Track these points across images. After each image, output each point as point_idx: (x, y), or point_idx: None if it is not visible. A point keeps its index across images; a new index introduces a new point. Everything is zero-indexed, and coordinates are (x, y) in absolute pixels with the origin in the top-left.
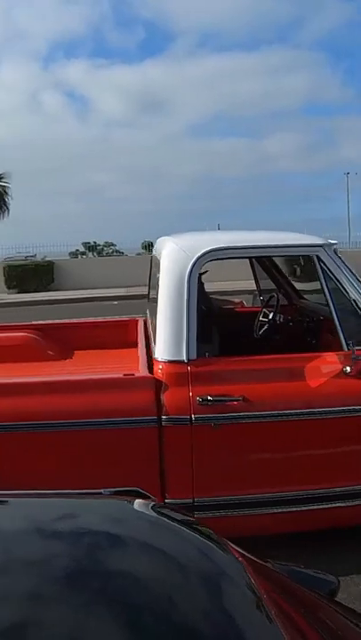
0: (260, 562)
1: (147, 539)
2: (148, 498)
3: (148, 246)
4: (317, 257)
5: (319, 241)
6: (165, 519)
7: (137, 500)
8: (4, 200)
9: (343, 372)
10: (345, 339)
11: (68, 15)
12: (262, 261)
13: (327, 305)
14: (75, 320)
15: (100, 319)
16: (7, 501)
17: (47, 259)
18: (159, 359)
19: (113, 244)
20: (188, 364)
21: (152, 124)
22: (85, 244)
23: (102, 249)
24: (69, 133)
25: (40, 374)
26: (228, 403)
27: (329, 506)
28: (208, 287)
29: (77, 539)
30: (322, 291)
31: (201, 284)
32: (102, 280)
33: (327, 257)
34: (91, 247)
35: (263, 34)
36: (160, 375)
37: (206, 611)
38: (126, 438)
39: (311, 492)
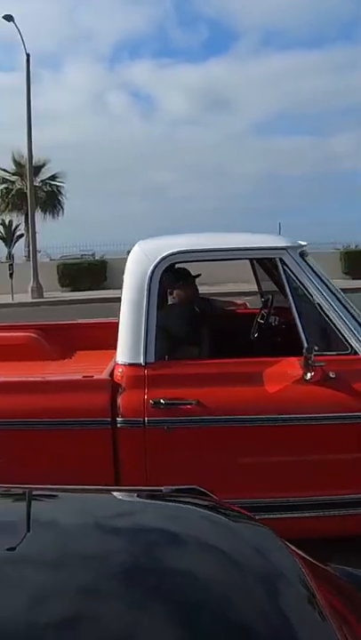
0: (319, 564)
1: (204, 537)
2: (208, 496)
3: None
4: (281, 260)
5: (283, 243)
6: (224, 518)
7: (196, 498)
8: (58, 199)
9: (303, 379)
10: (307, 343)
11: (131, 15)
12: (263, 262)
13: (290, 309)
14: (82, 321)
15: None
16: (68, 496)
17: (105, 257)
18: (119, 362)
19: None
20: (145, 367)
21: (216, 123)
22: None
23: None
24: (134, 133)
25: (24, 374)
26: (182, 406)
27: (280, 516)
28: (222, 289)
29: (135, 535)
30: (285, 294)
31: (195, 287)
32: None
33: (291, 260)
34: None
35: (326, 31)
36: (119, 378)
37: (261, 610)
38: (82, 439)
39: (262, 501)
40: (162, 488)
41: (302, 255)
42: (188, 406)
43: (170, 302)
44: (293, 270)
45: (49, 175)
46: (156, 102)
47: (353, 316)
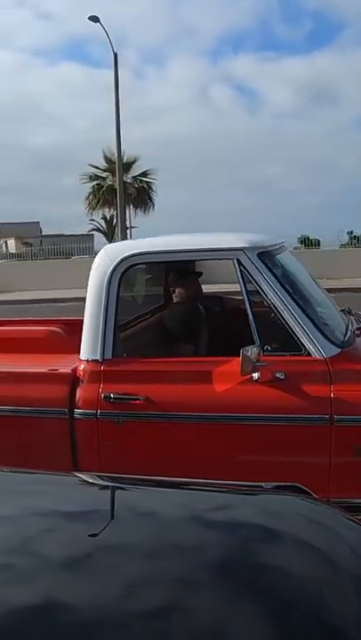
0: None
1: (302, 534)
2: (308, 494)
3: (305, 240)
4: (238, 260)
5: (239, 244)
6: (323, 516)
7: (295, 495)
8: (148, 195)
9: (251, 379)
10: (261, 343)
11: (234, 9)
12: None
13: (245, 309)
14: None
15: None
16: (168, 489)
17: None
18: (82, 358)
19: None
20: (102, 363)
21: (321, 116)
22: None
23: None
24: (239, 126)
25: (34, 365)
26: (132, 401)
27: None
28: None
29: (232, 529)
30: (241, 294)
31: (197, 285)
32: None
33: (248, 261)
34: None
35: None
36: (79, 372)
37: (356, 612)
38: (44, 427)
39: None
40: (262, 484)
41: (262, 255)
42: (138, 401)
43: (174, 301)
44: (249, 271)
45: (140, 172)
46: (259, 96)
47: (310, 318)
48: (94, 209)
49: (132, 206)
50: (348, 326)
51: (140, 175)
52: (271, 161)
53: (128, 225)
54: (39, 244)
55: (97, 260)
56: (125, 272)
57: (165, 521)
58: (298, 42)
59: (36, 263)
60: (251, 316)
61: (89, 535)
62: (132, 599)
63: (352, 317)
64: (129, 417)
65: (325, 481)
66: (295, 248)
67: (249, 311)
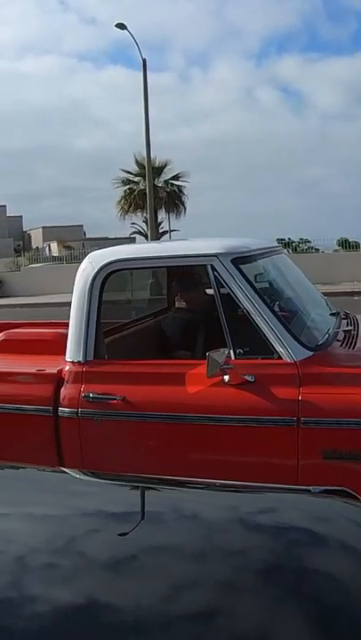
0: None
1: (349, 539)
2: (357, 498)
3: (344, 243)
4: (212, 266)
5: (213, 250)
6: None
7: (344, 500)
8: (180, 199)
9: (222, 381)
10: (233, 347)
11: (278, 10)
12: None
13: (218, 313)
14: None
15: None
16: (213, 492)
17: None
18: (67, 359)
19: (308, 241)
20: (84, 364)
21: None
22: (280, 241)
23: (297, 245)
24: (285, 128)
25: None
26: (110, 401)
27: None
28: None
29: (278, 533)
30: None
31: (201, 293)
32: None
33: (221, 267)
34: (286, 244)
35: None
36: (64, 373)
37: None
38: (32, 424)
39: None
40: (310, 488)
41: (236, 261)
42: (115, 401)
43: (176, 306)
44: (222, 276)
45: (171, 176)
46: (305, 97)
47: (282, 322)
48: (127, 213)
49: (163, 210)
50: (329, 330)
51: (171, 179)
52: (317, 163)
53: (168, 229)
54: (81, 248)
55: (82, 265)
56: (108, 277)
57: (210, 523)
58: (343, 42)
59: (74, 266)
60: (223, 321)
61: (133, 536)
62: (176, 601)
63: (344, 321)
64: (106, 416)
65: (293, 482)
66: (334, 250)
67: (222, 315)
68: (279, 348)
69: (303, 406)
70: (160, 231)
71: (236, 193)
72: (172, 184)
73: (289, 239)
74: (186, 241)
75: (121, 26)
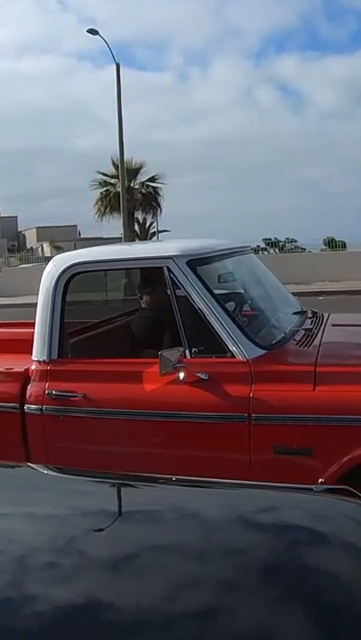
0: None
1: (351, 538)
2: (359, 497)
3: (331, 242)
4: (167, 268)
5: (169, 253)
6: None
7: (345, 499)
8: (156, 200)
9: (177, 379)
10: (188, 346)
11: (278, 9)
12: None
13: (174, 314)
14: None
15: None
16: (214, 490)
17: None
18: (33, 358)
19: (295, 240)
20: (48, 363)
21: None
22: (266, 240)
23: (283, 245)
24: (284, 127)
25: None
26: (71, 398)
27: None
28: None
29: (279, 532)
30: (170, 300)
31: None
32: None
33: (177, 268)
34: (272, 243)
35: None
36: (30, 371)
37: None
38: (1, 421)
39: None
40: (312, 486)
41: (191, 263)
42: (76, 398)
43: (142, 307)
44: (178, 277)
45: (147, 177)
46: (304, 96)
47: (235, 322)
48: (103, 214)
49: (140, 211)
50: (287, 329)
51: (147, 180)
52: (316, 162)
53: (157, 230)
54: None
55: (47, 268)
56: (71, 279)
57: (211, 522)
58: (342, 41)
59: None
60: (179, 321)
61: (134, 535)
62: (176, 601)
63: (308, 320)
64: (68, 412)
65: (246, 477)
66: (321, 250)
67: (177, 316)
68: (232, 347)
69: (254, 403)
70: (151, 231)
71: (236, 193)
72: (147, 185)
73: (275, 238)
74: (146, 243)
75: (92, 31)
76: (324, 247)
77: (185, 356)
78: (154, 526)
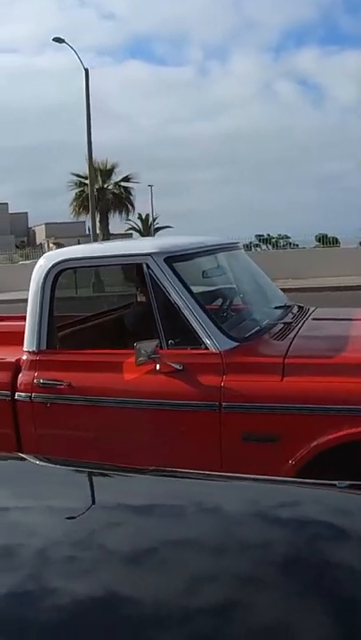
0: None
1: None
2: None
3: (323, 239)
4: (146, 265)
5: (147, 250)
6: None
7: None
8: (128, 200)
9: (154, 369)
10: (165, 338)
11: (296, 3)
12: None
13: (152, 308)
14: None
15: None
16: (232, 484)
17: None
18: (24, 349)
19: (288, 237)
20: (37, 353)
21: None
22: (259, 237)
23: (276, 241)
24: (304, 121)
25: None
26: (58, 386)
27: None
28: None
29: (300, 527)
30: (149, 295)
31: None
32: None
33: (155, 265)
34: (264, 240)
35: None
36: (21, 361)
37: None
38: None
39: None
40: (336, 482)
41: (169, 260)
42: (62, 386)
43: (138, 300)
44: (155, 273)
45: (121, 177)
46: (324, 90)
47: (209, 316)
48: (78, 214)
49: (112, 211)
50: (264, 322)
51: (121, 180)
52: (336, 157)
53: (155, 226)
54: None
55: (38, 264)
56: (59, 275)
57: (231, 516)
58: None
59: None
60: (156, 314)
61: (153, 529)
62: (196, 595)
63: (290, 314)
64: (55, 400)
65: (217, 465)
66: (316, 246)
67: (155, 310)
68: (206, 340)
69: (225, 392)
70: (155, 227)
71: (252, 187)
72: (120, 186)
73: (268, 235)
74: (129, 241)
75: (58, 40)
76: (317, 243)
77: (162, 348)
78: (174, 520)
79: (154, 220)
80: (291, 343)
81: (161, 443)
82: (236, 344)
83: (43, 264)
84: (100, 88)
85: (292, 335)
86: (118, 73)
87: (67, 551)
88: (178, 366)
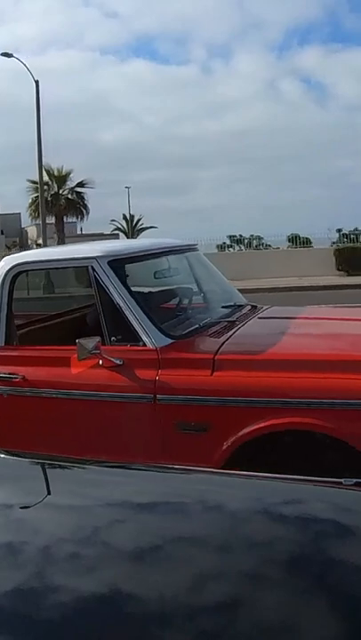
0: None
1: None
2: None
3: (295, 239)
4: (91, 267)
5: (92, 254)
6: None
7: None
8: (83, 204)
9: (98, 364)
10: (108, 335)
11: (300, 2)
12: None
13: (97, 308)
14: None
15: None
16: (237, 482)
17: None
18: None
19: (260, 237)
20: None
21: None
22: (231, 237)
23: (249, 242)
24: (309, 119)
25: None
26: (14, 379)
27: None
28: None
29: (305, 525)
30: (94, 296)
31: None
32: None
33: (99, 268)
34: (237, 240)
35: None
36: None
37: None
38: None
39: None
40: (341, 480)
41: (113, 263)
42: (17, 380)
43: None
44: (100, 276)
45: (76, 183)
46: (328, 88)
47: (148, 315)
48: (36, 218)
49: (66, 216)
50: (205, 321)
51: (76, 186)
52: (344, 154)
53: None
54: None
55: None
56: (16, 276)
57: (236, 514)
58: None
59: None
60: (101, 313)
61: (158, 527)
62: (199, 592)
63: (237, 313)
64: (11, 391)
65: (154, 452)
66: (288, 247)
67: (100, 309)
68: (144, 337)
69: (159, 385)
70: (140, 227)
71: (261, 185)
72: (74, 191)
73: (240, 235)
74: (79, 245)
75: (6, 55)
76: (288, 244)
77: (105, 344)
78: (178, 518)
79: (139, 221)
80: (225, 340)
81: (103, 432)
82: (172, 341)
83: (2, 267)
84: (104, 87)
85: (230, 333)
86: (122, 71)
87: (69, 548)
88: (118, 361)
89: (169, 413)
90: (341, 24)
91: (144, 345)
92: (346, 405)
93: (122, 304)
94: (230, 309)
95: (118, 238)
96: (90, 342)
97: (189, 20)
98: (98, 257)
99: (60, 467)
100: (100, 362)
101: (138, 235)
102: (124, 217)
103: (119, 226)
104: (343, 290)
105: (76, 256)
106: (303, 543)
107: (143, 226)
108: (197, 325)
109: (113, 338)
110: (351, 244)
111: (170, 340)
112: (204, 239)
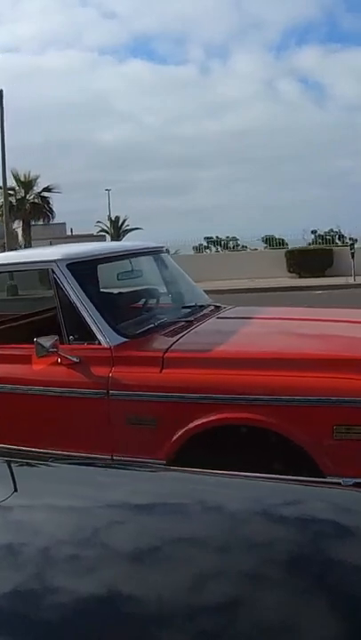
0: None
1: None
2: None
3: (270, 240)
4: (52, 270)
5: (53, 258)
6: None
7: None
8: (48, 208)
9: (57, 362)
10: (67, 334)
11: (298, 2)
12: None
13: (56, 309)
14: None
15: None
16: (237, 482)
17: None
18: None
19: (236, 239)
20: None
21: None
22: (208, 239)
23: (226, 243)
24: (307, 120)
25: None
26: None
27: None
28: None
29: (304, 525)
30: (54, 297)
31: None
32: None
33: (58, 270)
34: (214, 241)
35: None
36: None
37: None
38: None
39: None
40: (340, 480)
41: (72, 265)
42: None
43: None
44: (59, 278)
45: (42, 188)
46: (327, 88)
47: (103, 316)
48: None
49: (33, 219)
50: (161, 321)
51: (43, 191)
52: (344, 154)
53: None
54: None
55: None
56: None
57: (235, 514)
58: None
59: None
60: (60, 313)
61: (157, 527)
62: (199, 592)
63: (197, 314)
64: None
65: (107, 445)
66: (265, 248)
67: (59, 309)
68: (99, 336)
69: (112, 382)
70: (124, 229)
71: (262, 185)
72: (41, 197)
73: (217, 237)
74: (41, 249)
75: None
76: (263, 245)
77: (63, 343)
78: (178, 518)
79: (124, 222)
80: (178, 339)
81: (60, 426)
82: (126, 340)
83: None
84: (104, 87)
85: (183, 332)
86: (121, 72)
87: (69, 549)
88: (75, 359)
89: (121, 408)
90: (339, 24)
91: (99, 343)
92: (286, 402)
93: (79, 305)
94: (191, 309)
95: (105, 240)
96: (47, 341)
97: (188, 20)
98: (57, 260)
99: (58, 467)
100: (59, 360)
101: (123, 236)
102: (109, 218)
103: (104, 227)
104: (292, 292)
105: (37, 259)
106: (302, 543)
107: (128, 227)
108: (152, 325)
109: (71, 337)
110: (300, 247)
111: (123, 339)
112: (185, 241)
